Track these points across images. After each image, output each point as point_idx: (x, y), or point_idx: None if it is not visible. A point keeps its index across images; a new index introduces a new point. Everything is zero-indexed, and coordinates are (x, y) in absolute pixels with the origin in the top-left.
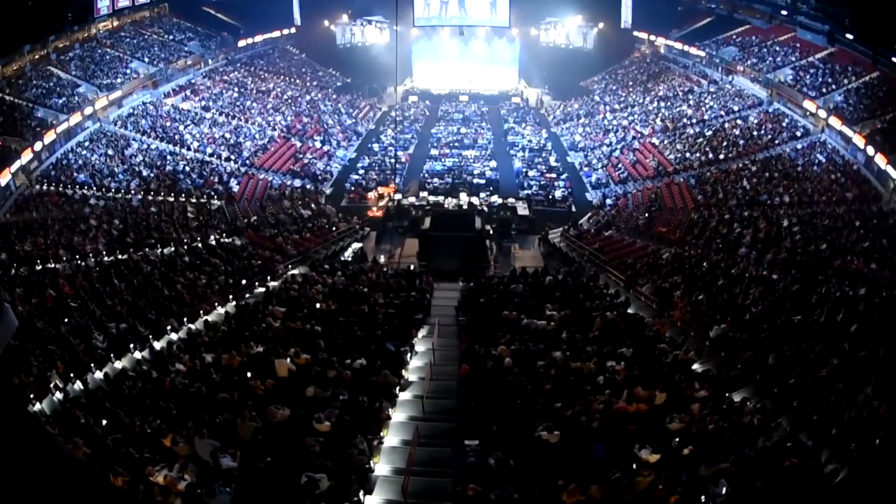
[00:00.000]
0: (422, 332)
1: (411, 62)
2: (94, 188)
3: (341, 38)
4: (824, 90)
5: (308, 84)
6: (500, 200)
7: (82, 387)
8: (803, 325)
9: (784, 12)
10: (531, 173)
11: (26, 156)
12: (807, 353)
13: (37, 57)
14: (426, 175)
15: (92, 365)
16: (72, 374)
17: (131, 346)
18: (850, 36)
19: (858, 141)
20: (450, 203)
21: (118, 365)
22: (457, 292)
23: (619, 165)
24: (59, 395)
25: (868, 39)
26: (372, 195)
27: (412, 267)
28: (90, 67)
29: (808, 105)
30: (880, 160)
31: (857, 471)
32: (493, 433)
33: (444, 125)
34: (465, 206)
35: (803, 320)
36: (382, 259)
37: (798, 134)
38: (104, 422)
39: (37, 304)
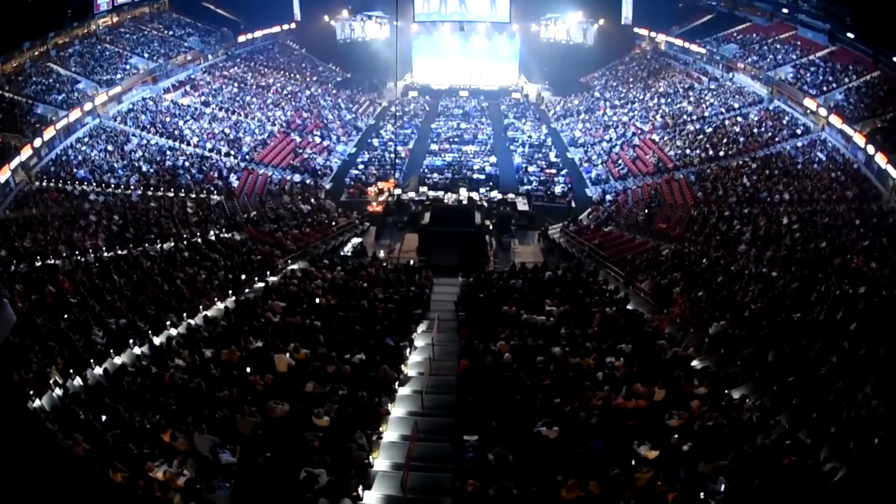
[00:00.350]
0: (421, 328)
1: (411, 57)
2: (94, 184)
3: (341, 34)
4: (825, 88)
5: (308, 79)
6: (499, 196)
7: (82, 383)
8: (803, 322)
9: (785, 10)
10: (531, 169)
11: (26, 152)
12: (806, 350)
13: (36, 53)
14: (426, 170)
15: (91, 361)
16: (71, 370)
17: (131, 341)
18: (850, 35)
19: (859, 140)
20: (449, 198)
21: (118, 360)
22: (456, 287)
23: (619, 161)
24: (58, 392)
25: (869, 39)
26: (371, 190)
27: (412, 262)
28: (90, 63)
29: (809, 103)
30: (880, 159)
31: (855, 470)
32: (492, 429)
33: (443, 120)
34: (464, 202)
35: (803, 318)
36: (382, 254)
37: (798, 132)
38: (104, 417)
39: (36, 301)
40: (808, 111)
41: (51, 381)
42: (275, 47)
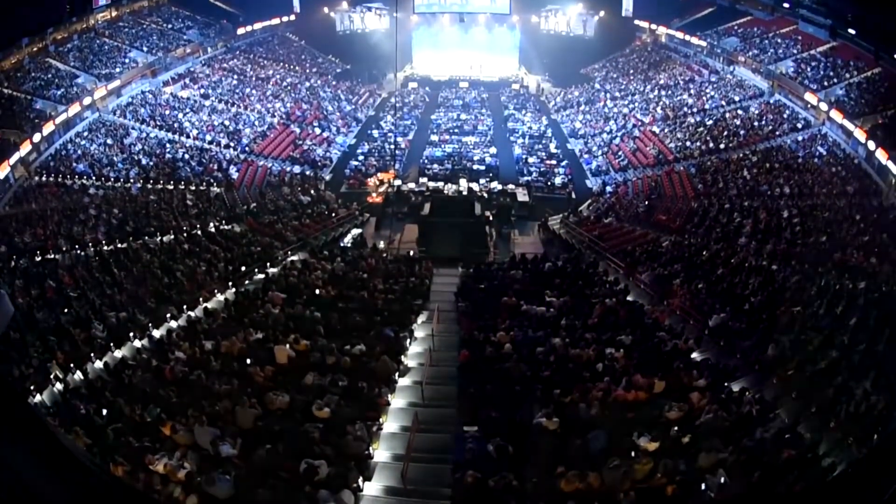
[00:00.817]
0: (421, 318)
1: (411, 49)
2: (94, 178)
3: (341, 25)
4: (826, 83)
5: (307, 71)
6: (499, 186)
7: (82, 377)
8: (803, 316)
9: (786, 5)
10: (531, 160)
11: (25, 148)
12: (806, 344)
13: (35, 49)
14: (426, 161)
15: (91, 354)
16: (72, 365)
17: (131, 334)
18: (852, 31)
19: (859, 135)
20: (449, 189)
21: (118, 354)
22: (456, 278)
23: (620, 153)
24: (59, 386)
25: (870, 35)
26: (371, 181)
27: (412, 253)
28: (89, 58)
29: (810, 97)
30: (881, 155)
31: (855, 465)
32: (491, 420)
33: (443, 111)
34: (464, 192)
35: (803, 312)
36: (382, 245)
37: (799, 126)
38: (104, 411)
39: (36, 296)
40: (809, 105)
41: (51, 376)
42: (274, 39)
